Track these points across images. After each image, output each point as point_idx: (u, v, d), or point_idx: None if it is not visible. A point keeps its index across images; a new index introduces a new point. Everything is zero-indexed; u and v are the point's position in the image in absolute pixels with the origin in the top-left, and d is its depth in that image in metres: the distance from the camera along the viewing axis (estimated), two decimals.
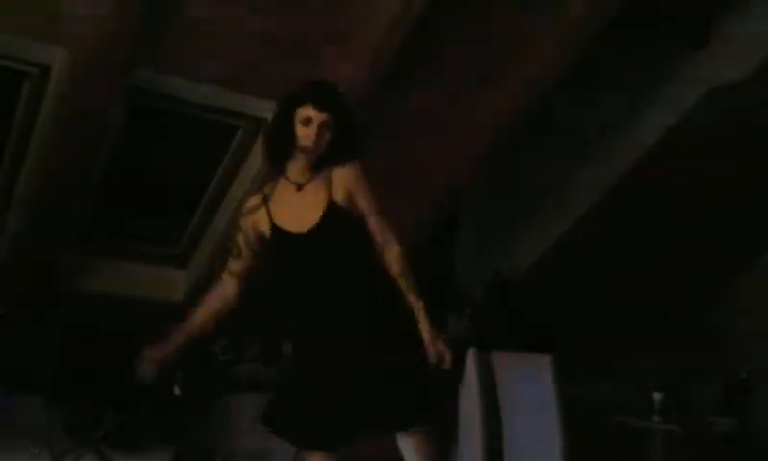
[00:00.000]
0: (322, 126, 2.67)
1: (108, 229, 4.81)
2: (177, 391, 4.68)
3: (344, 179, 2.70)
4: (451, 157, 4.75)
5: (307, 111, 2.67)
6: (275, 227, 2.73)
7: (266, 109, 4.27)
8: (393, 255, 2.73)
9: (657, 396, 5.24)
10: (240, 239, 2.82)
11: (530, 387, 4.51)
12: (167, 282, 5.07)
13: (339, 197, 2.69)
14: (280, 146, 2.73)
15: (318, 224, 2.68)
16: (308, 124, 2.67)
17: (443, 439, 4.44)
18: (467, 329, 5.27)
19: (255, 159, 4.51)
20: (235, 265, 2.85)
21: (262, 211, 2.77)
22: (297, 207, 2.72)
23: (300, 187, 2.72)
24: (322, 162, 2.72)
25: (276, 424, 2.76)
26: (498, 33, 4.16)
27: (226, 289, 2.90)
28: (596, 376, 5.75)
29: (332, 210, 2.68)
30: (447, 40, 4.14)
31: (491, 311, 5.47)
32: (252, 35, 3.84)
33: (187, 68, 3.95)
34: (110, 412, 4.67)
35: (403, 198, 4.79)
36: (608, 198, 5.27)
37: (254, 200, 2.82)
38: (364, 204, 2.72)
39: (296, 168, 2.73)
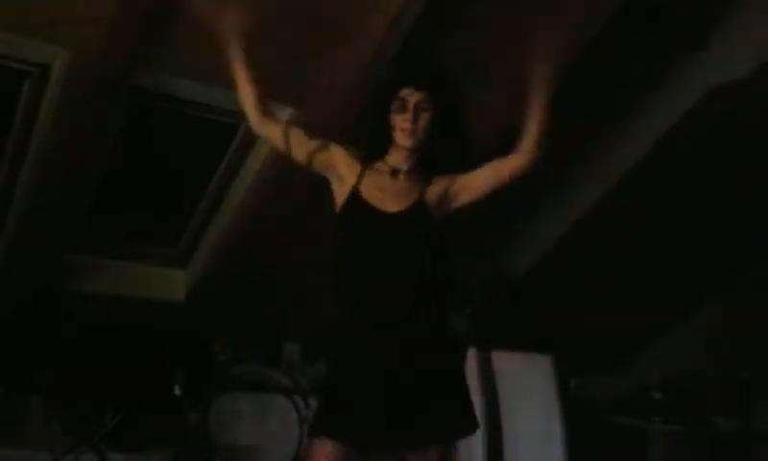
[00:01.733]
0: (418, 106, 2.55)
1: (108, 229, 4.81)
2: (177, 391, 4.68)
3: (443, 181, 2.61)
4: None
5: (402, 93, 2.56)
6: (356, 191, 2.60)
7: None
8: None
9: (657, 396, 5.24)
10: (319, 143, 2.68)
11: (530, 387, 4.52)
12: (167, 282, 5.07)
13: (432, 198, 2.60)
14: (378, 137, 2.62)
15: (402, 211, 2.57)
16: (404, 107, 2.56)
17: None
18: (467, 329, 5.27)
19: (255, 159, 4.51)
20: (297, 135, 2.73)
21: (354, 167, 2.62)
22: (384, 189, 2.59)
23: (394, 173, 2.61)
24: (426, 161, 2.61)
25: (330, 429, 2.52)
26: (498, 33, 4.16)
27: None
28: (596, 376, 5.75)
29: (421, 207, 2.58)
30: (447, 40, 4.13)
31: (491, 311, 5.46)
32: (252, 35, 3.83)
33: (188, 68, 3.95)
34: (110, 412, 4.67)
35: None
36: (607, 198, 5.27)
37: (356, 151, 2.66)
38: (469, 179, 2.65)
39: (395, 156, 2.62)
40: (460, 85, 2.69)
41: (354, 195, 2.59)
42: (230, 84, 4.13)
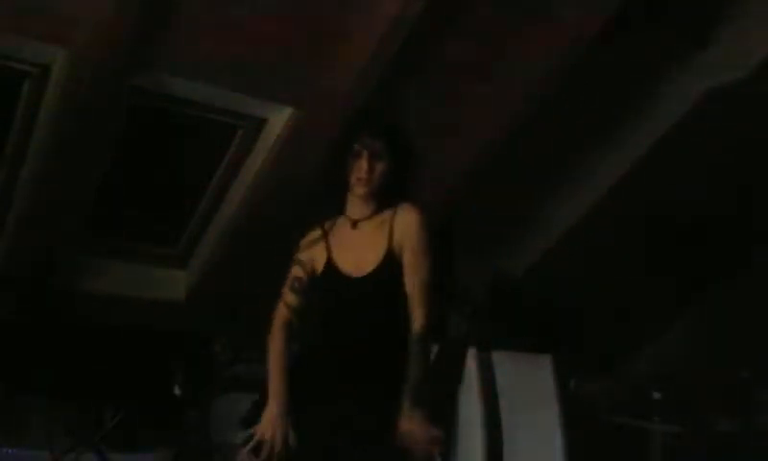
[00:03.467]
0: (373, 155, 2.60)
1: (108, 229, 4.81)
2: (177, 391, 4.68)
3: (405, 225, 2.61)
4: (451, 157, 4.75)
5: (359, 141, 2.61)
6: (330, 263, 2.64)
7: (266, 109, 4.28)
8: (415, 328, 2.60)
9: (657, 396, 5.24)
10: (300, 272, 2.70)
11: (530, 387, 4.52)
12: (167, 282, 5.07)
13: (397, 244, 2.60)
14: (336, 183, 2.66)
15: (374, 271, 2.59)
16: (360, 154, 2.60)
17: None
18: (467, 329, 5.27)
19: (255, 159, 4.51)
20: (292, 298, 2.72)
21: (321, 246, 2.68)
22: (353, 247, 2.63)
23: (354, 224, 2.65)
24: (382, 202, 2.63)
25: None
26: (498, 33, 4.16)
27: (283, 321, 2.74)
28: (596, 375, 5.75)
29: (391, 258, 2.60)
30: (447, 40, 4.13)
31: (491, 311, 5.46)
32: (252, 35, 3.83)
33: (187, 68, 3.95)
34: (110, 412, 4.67)
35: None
36: (607, 198, 5.27)
37: (313, 234, 2.72)
38: (413, 260, 2.61)
39: (354, 204, 2.66)
40: (411, 137, 2.76)
41: (328, 266, 2.65)
42: (230, 85, 4.16)
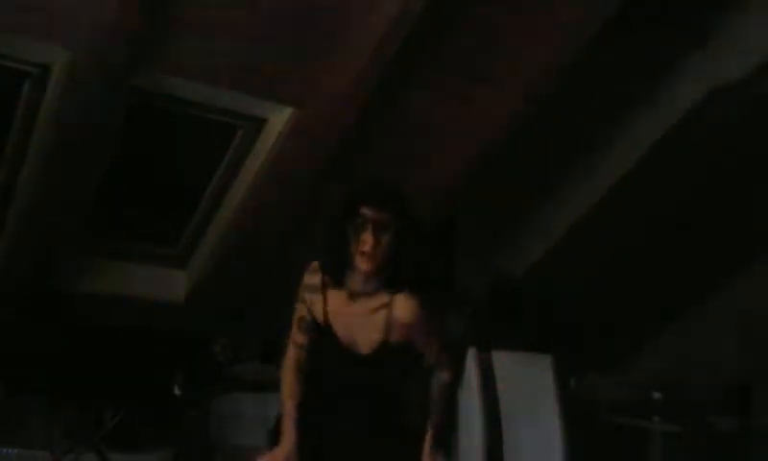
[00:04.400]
0: (379, 227, 2.43)
1: (108, 229, 4.81)
2: (177, 391, 4.68)
3: (403, 316, 2.49)
4: (451, 158, 4.75)
5: (364, 212, 2.44)
6: (327, 324, 2.56)
7: (266, 109, 4.28)
8: (440, 382, 2.61)
9: (657, 396, 5.24)
10: (304, 312, 2.62)
11: (530, 387, 4.52)
12: (167, 282, 5.07)
13: (393, 333, 2.51)
14: (336, 259, 2.51)
15: (367, 355, 2.53)
16: (365, 226, 2.43)
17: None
18: (467, 329, 5.27)
19: (255, 159, 4.51)
20: (301, 338, 2.66)
21: (319, 298, 2.57)
22: (349, 321, 2.54)
23: (352, 296, 2.51)
24: (384, 278, 2.49)
25: None
26: (498, 33, 4.16)
27: (294, 360, 2.69)
28: (596, 375, 5.75)
29: (384, 348, 2.52)
30: (447, 40, 4.13)
31: (491, 311, 5.47)
32: (252, 35, 3.83)
33: (187, 68, 3.95)
34: (110, 412, 4.67)
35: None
36: (607, 198, 5.27)
37: (314, 277, 2.59)
38: (425, 339, 2.56)
39: (355, 275, 2.50)
40: (413, 205, 2.59)
41: (326, 331, 2.56)
42: (230, 85, 4.16)
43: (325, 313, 2.56)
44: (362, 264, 2.45)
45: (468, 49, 4.21)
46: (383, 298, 2.50)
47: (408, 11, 3.77)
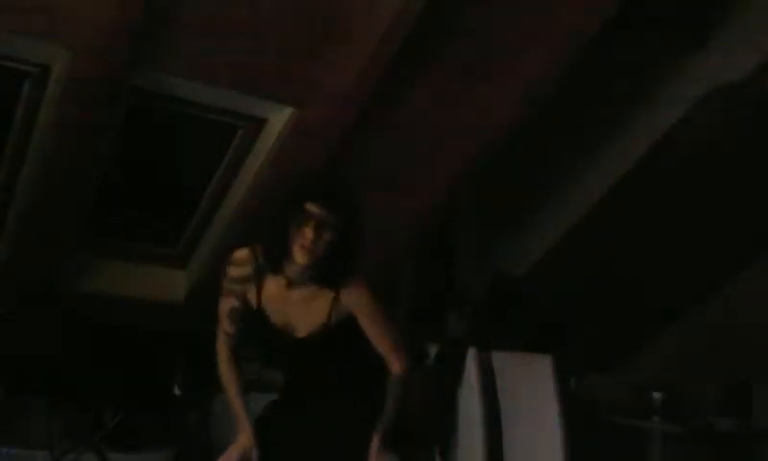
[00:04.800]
0: (321, 225, 2.47)
1: (108, 229, 4.81)
2: (177, 391, 4.68)
3: (352, 299, 2.56)
4: (451, 157, 4.75)
5: (308, 208, 2.48)
6: (260, 310, 2.61)
7: (266, 109, 4.28)
8: (395, 372, 2.63)
9: (657, 396, 5.24)
10: (235, 303, 2.67)
11: (530, 387, 4.52)
12: (167, 282, 5.07)
13: (337, 316, 2.57)
14: (277, 244, 2.55)
15: (308, 336, 2.59)
16: (307, 222, 2.47)
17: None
18: (467, 329, 5.27)
19: (255, 159, 4.51)
20: (231, 328, 2.73)
21: (253, 286, 2.63)
22: (285, 304, 2.59)
23: (290, 284, 2.57)
24: (319, 273, 2.54)
25: None
26: (498, 33, 4.16)
27: (226, 349, 2.80)
28: (596, 376, 5.75)
29: (327, 328, 2.58)
30: (447, 40, 4.13)
31: (491, 311, 5.47)
32: (252, 35, 3.83)
33: (187, 68, 3.95)
34: (110, 412, 4.67)
35: (403, 198, 4.80)
36: (607, 198, 5.27)
37: (246, 266, 2.63)
38: (371, 322, 2.60)
39: (291, 265, 2.55)
40: (360, 205, 2.60)
41: (260, 312, 2.62)
42: (230, 85, 4.16)
43: (259, 299, 2.61)
44: (300, 257, 2.49)
45: (468, 49, 4.21)
46: (324, 291, 2.56)
47: (408, 11, 3.77)
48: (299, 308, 2.58)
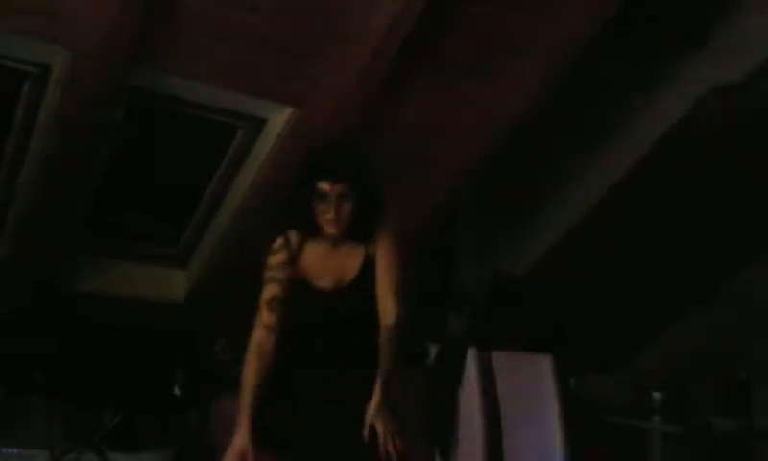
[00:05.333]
0: (338, 197, 2.60)
1: (108, 229, 4.81)
2: (177, 391, 4.68)
3: (379, 249, 2.65)
4: (451, 158, 4.75)
5: (322, 186, 2.60)
6: (306, 281, 2.68)
7: (266, 109, 4.28)
8: (386, 323, 2.64)
9: (657, 396, 5.23)
10: (277, 290, 2.69)
11: (530, 387, 4.52)
12: (167, 282, 5.07)
13: (371, 256, 2.66)
14: (304, 224, 2.67)
15: (353, 280, 2.65)
16: (325, 199, 2.61)
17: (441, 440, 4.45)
18: (467, 329, 5.27)
19: (255, 159, 4.51)
20: (271, 318, 2.72)
21: (289, 268, 2.69)
22: (330, 264, 2.67)
23: (335, 243, 2.67)
24: (354, 236, 2.66)
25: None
26: (498, 33, 4.16)
27: (259, 345, 2.76)
28: (596, 375, 5.75)
29: (368, 269, 2.66)
30: (447, 40, 4.13)
31: (491, 311, 5.47)
32: (252, 35, 3.83)
33: (187, 68, 3.95)
34: (110, 412, 4.67)
35: (403, 198, 4.80)
36: (607, 198, 5.27)
37: (282, 252, 2.70)
38: (386, 262, 2.67)
39: (326, 235, 2.67)
40: (373, 169, 2.73)
41: (305, 283, 2.68)
42: (230, 85, 4.16)
43: (303, 272, 2.68)
44: (329, 229, 2.63)
45: (468, 49, 4.21)
46: (358, 246, 2.66)
47: (408, 11, 3.77)
48: (341, 263, 2.68)
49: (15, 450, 4.58)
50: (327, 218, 2.61)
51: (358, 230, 2.66)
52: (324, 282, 2.67)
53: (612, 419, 5.32)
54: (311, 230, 2.68)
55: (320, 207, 2.61)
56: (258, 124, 4.36)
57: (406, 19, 3.80)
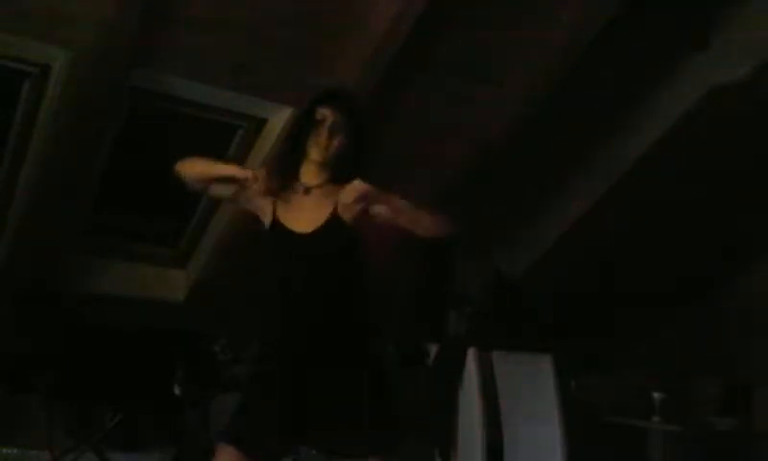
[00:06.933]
0: (334, 126, 2.66)
1: (108, 229, 4.81)
2: (177, 391, 4.68)
3: (352, 187, 2.62)
4: (451, 158, 4.75)
5: (322, 111, 2.69)
6: (276, 222, 2.70)
7: (266, 109, 4.28)
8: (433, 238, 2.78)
9: (657, 396, 5.23)
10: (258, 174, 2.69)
11: (530, 387, 4.52)
12: (167, 282, 5.07)
13: (345, 210, 2.65)
14: (292, 152, 2.72)
15: (316, 230, 2.66)
16: (322, 123, 2.67)
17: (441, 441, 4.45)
18: (467, 329, 5.27)
19: (255, 159, 4.51)
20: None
21: (269, 201, 2.72)
22: (302, 210, 2.69)
23: (307, 191, 2.70)
24: (335, 175, 2.68)
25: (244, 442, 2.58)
26: (498, 33, 4.16)
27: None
28: (596, 376, 5.75)
29: (336, 219, 2.65)
30: (448, 40, 4.14)
31: (491, 311, 5.47)
32: (252, 35, 3.83)
33: (187, 68, 3.95)
34: (110, 412, 4.67)
35: (403, 198, 4.79)
36: (607, 198, 5.27)
37: (265, 175, 2.71)
38: (391, 211, 2.70)
39: (308, 171, 2.70)
40: (372, 122, 2.82)
41: (275, 223, 2.71)
42: (230, 85, 4.16)
43: (275, 212, 2.70)
44: (315, 154, 2.67)
45: (468, 49, 4.21)
46: (335, 187, 2.67)
47: (408, 11, 3.77)
48: (312, 208, 2.69)
49: (16, 451, 4.58)
50: (318, 141, 2.65)
51: (340, 168, 2.67)
52: (294, 225, 2.69)
53: (611, 419, 5.31)
54: (290, 170, 2.70)
55: (313, 134, 2.67)
56: (258, 124, 4.37)
57: (406, 19, 3.80)
